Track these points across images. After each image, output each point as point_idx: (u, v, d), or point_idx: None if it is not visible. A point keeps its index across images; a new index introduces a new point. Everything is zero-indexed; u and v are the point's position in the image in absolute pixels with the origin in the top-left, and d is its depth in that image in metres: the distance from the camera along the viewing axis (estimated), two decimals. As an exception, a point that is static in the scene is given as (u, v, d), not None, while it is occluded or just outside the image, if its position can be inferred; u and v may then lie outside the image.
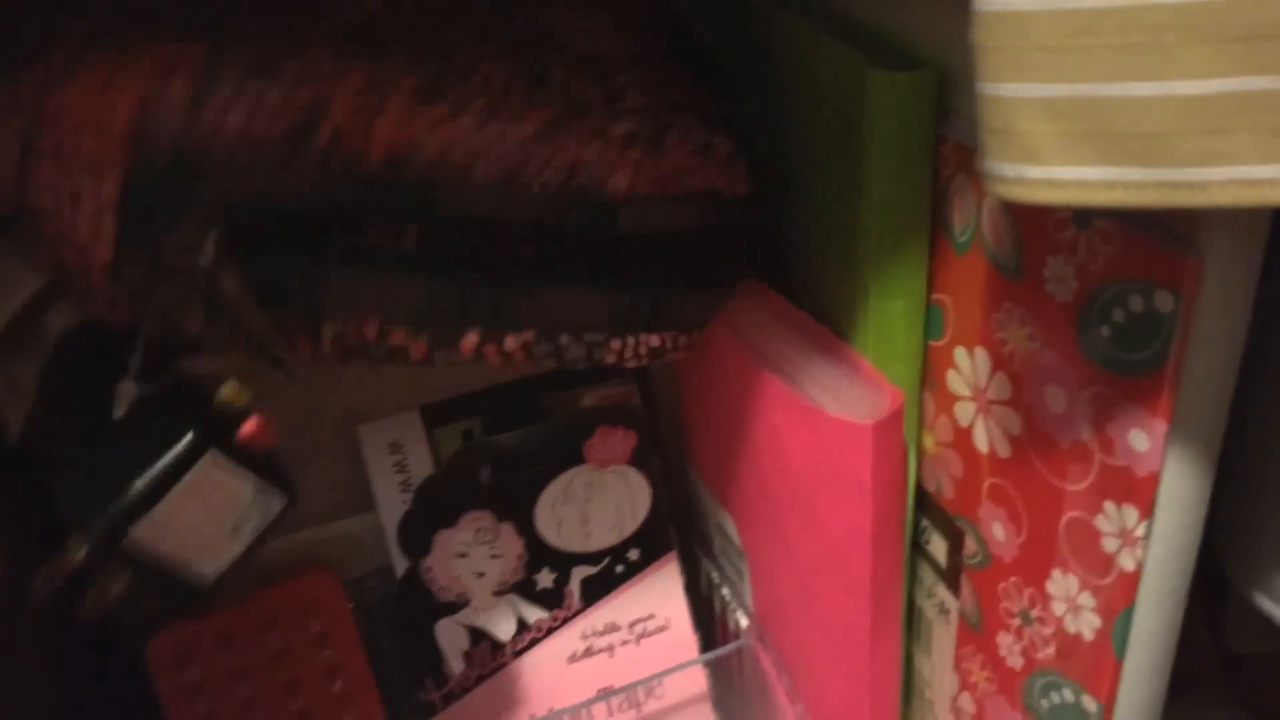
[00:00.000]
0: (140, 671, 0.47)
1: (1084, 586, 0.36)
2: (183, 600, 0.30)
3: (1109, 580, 0.34)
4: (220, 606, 0.48)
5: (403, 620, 0.50)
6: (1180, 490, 0.31)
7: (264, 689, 0.47)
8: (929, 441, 0.42)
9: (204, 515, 0.29)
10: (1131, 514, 0.32)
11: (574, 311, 0.36)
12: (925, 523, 0.45)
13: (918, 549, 0.46)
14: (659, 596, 0.53)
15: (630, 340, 0.39)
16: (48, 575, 0.29)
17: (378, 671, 0.49)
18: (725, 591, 0.53)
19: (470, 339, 0.36)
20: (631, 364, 0.40)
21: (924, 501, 0.44)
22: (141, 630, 0.46)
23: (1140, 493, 0.32)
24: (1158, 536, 0.32)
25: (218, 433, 0.29)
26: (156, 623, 0.46)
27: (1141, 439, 0.31)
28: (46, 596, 0.29)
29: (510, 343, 0.36)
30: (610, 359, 0.39)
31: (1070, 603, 0.37)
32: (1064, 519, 0.35)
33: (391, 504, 0.49)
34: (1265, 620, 0.53)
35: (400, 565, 0.50)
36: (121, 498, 0.28)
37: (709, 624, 0.55)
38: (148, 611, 0.47)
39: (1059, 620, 0.37)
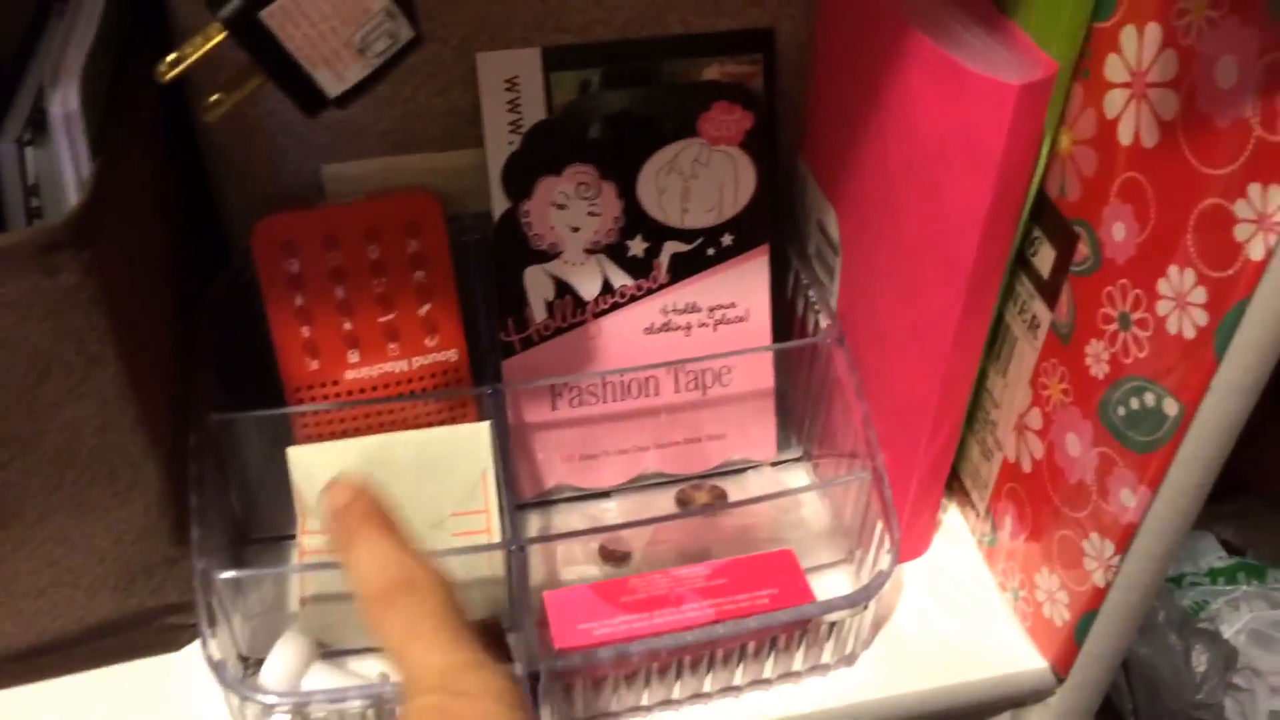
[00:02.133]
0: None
1: (1200, 281, 0.35)
2: (306, 107, 0.30)
3: (1230, 272, 0.34)
4: (326, 207, 0.49)
5: (495, 260, 0.51)
6: (1343, 164, 0.30)
7: (358, 295, 0.49)
8: (1065, 140, 0.41)
9: (335, 17, 0.29)
10: (1277, 195, 0.31)
11: None
12: (1036, 232, 0.44)
13: (1020, 263, 0.46)
14: (745, 286, 0.53)
15: None
16: (180, 56, 0.30)
17: (465, 306, 0.51)
18: (811, 292, 0.53)
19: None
20: None
21: (1040, 209, 0.44)
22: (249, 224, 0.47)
23: (1296, 169, 0.31)
24: (1301, 220, 0.31)
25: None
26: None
27: (1315, 106, 0.30)
28: (175, 78, 0.30)
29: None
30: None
31: (1180, 300, 0.36)
32: (1199, 207, 0.34)
33: (500, 141, 0.49)
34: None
35: (500, 205, 0.50)
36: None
37: (788, 326, 0.55)
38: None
39: (1161, 321, 0.37)
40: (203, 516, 0.43)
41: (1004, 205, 0.39)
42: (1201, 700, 0.56)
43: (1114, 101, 0.38)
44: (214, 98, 0.31)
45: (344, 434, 0.49)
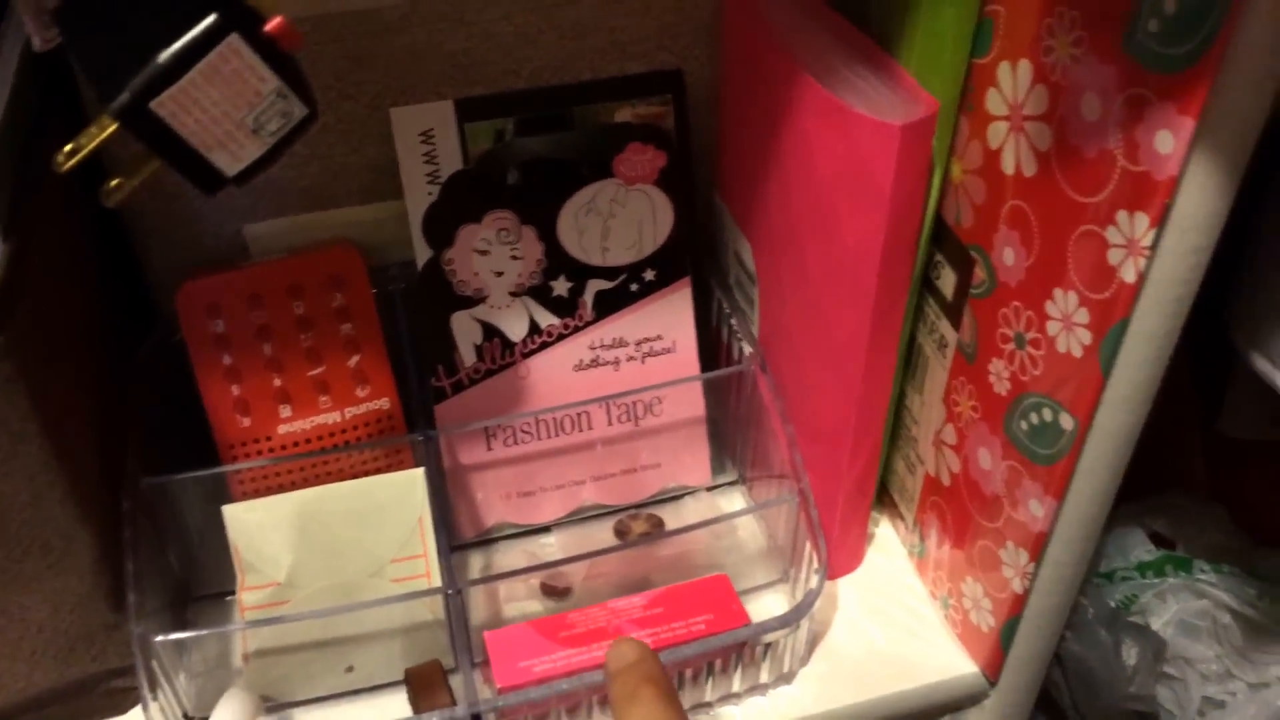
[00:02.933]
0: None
1: (1082, 303, 0.37)
2: (205, 187, 0.31)
3: (1107, 294, 0.36)
4: (250, 267, 0.50)
5: (421, 308, 0.52)
6: (1199, 193, 0.32)
7: (287, 351, 0.49)
8: (956, 170, 0.43)
9: (226, 102, 0.30)
10: (1142, 222, 0.33)
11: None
12: (938, 257, 0.46)
13: (926, 285, 0.47)
14: (669, 318, 0.54)
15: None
16: (75, 147, 0.30)
17: (394, 354, 0.51)
18: (734, 321, 0.54)
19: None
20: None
21: (940, 234, 0.45)
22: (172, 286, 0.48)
23: (1155, 199, 0.32)
24: (1166, 245, 0.33)
25: (243, 21, 0.30)
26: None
27: (1168, 140, 0.31)
28: (72, 168, 0.30)
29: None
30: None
31: (1066, 321, 0.38)
32: (1075, 234, 0.36)
33: (419, 192, 0.50)
34: (1259, 405, 0.55)
35: (422, 255, 0.51)
36: (145, 70, 0.29)
37: (714, 355, 0.57)
38: (175, 264, 0.49)
39: (1051, 341, 0.39)
40: (139, 581, 0.43)
41: (898, 236, 0.41)
42: (1134, 692, 0.58)
43: (996, 133, 0.40)
44: (114, 183, 0.32)
45: (280, 488, 0.50)
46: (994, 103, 0.40)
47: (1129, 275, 0.34)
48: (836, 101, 0.40)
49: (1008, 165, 0.39)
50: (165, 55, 0.28)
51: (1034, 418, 0.41)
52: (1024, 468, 0.42)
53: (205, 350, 0.48)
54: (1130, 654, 0.58)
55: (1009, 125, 0.39)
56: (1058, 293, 0.38)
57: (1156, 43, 0.31)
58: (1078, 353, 0.38)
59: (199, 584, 0.51)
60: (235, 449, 0.50)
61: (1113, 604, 0.61)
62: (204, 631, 0.47)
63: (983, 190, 0.41)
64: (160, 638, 0.42)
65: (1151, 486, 0.69)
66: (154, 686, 0.41)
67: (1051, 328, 0.39)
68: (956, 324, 0.45)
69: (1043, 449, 0.41)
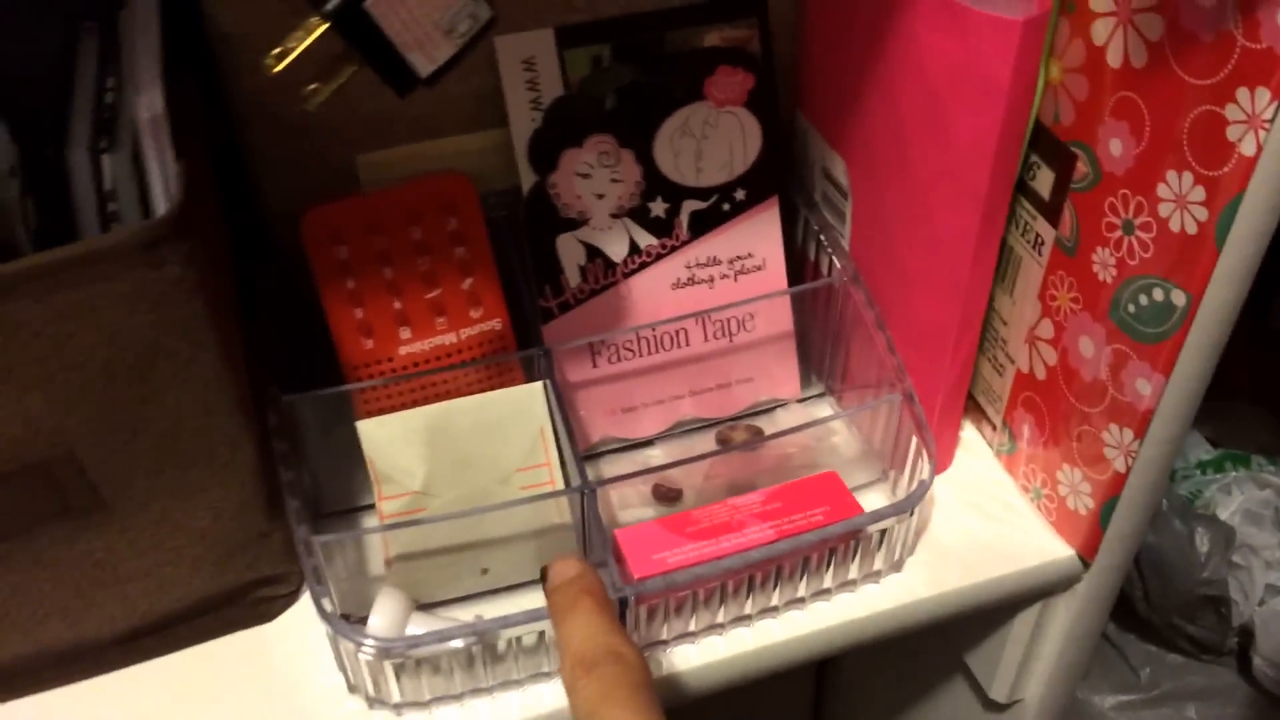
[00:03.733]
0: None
1: (1197, 181, 0.39)
2: (400, 87, 0.33)
3: (1226, 169, 0.38)
4: (369, 194, 0.51)
5: (528, 231, 0.54)
6: (1321, 61, 0.34)
7: (405, 275, 0.51)
8: (1055, 70, 0.45)
9: (426, 4, 0.32)
10: (1264, 96, 0.36)
11: None
12: (1034, 158, 0.48)
13: (1020, 189, 0.50)
14: (759, 237, 0.57)
15: None
16: (284, 50, 0.32)
17: (504, 277, 0.53)
18: (822, 237, 0.57)
19: None
20: None
21: (1037, 136, 0.47)
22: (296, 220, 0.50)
23: (1276, 73, 0.35)
24: (1286, 116, 0.36)
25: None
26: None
27: (1293, 13, 0.34)
28: (282, 68, 0.32)
29: None
30: None
31: (1180, 201, 0.40)
32: (1191, 115, 0.39)
33: (523, 118, 0.52)
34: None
35: (528, 180, 0.53)
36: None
37: (801, 272, 0.59)
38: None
39: (1164, 222, 0.41)
40: (293, 489, 0.45)
41: (1011, 132, 0.43)
42: (1207, 578, 0.61)
43: (1101, 29, 0.42)
44: (311, 87, 0.34)
45: (401, 407, 0.52)
46: (1099, 1, 0.42)
47: (1249, 149, 0.37)
48: (951, 1, 0.42)
49: (1114, 59, 0.42)
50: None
51: (1143, 299, 0.43)
52: (1131, 349, 0.45)
53: (330, 274, 0.50)
54: (1203, 542, 0.61)
55: (1116, 20, 0.41)
56: (1171, 175, 0.40)
57: (1283, -79, 0.33)
58: (1192, 230, 0.40)
59: (326, 501, 0.54)
60: (359, 370, 0.52)
61: (1183, 497, 0.64)
62: (362, 531, 0.49)
63: (1085, 87, 0.44)
64: (323, 538, 0.44)
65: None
66: (321, 582, 0.44)
67: (1164, 209, 0.41)
68: (1055, 221, 0.48)
69: (1152, 328, 0.43)
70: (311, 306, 0.51)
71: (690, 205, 0.55)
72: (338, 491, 0.54)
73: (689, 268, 0.56)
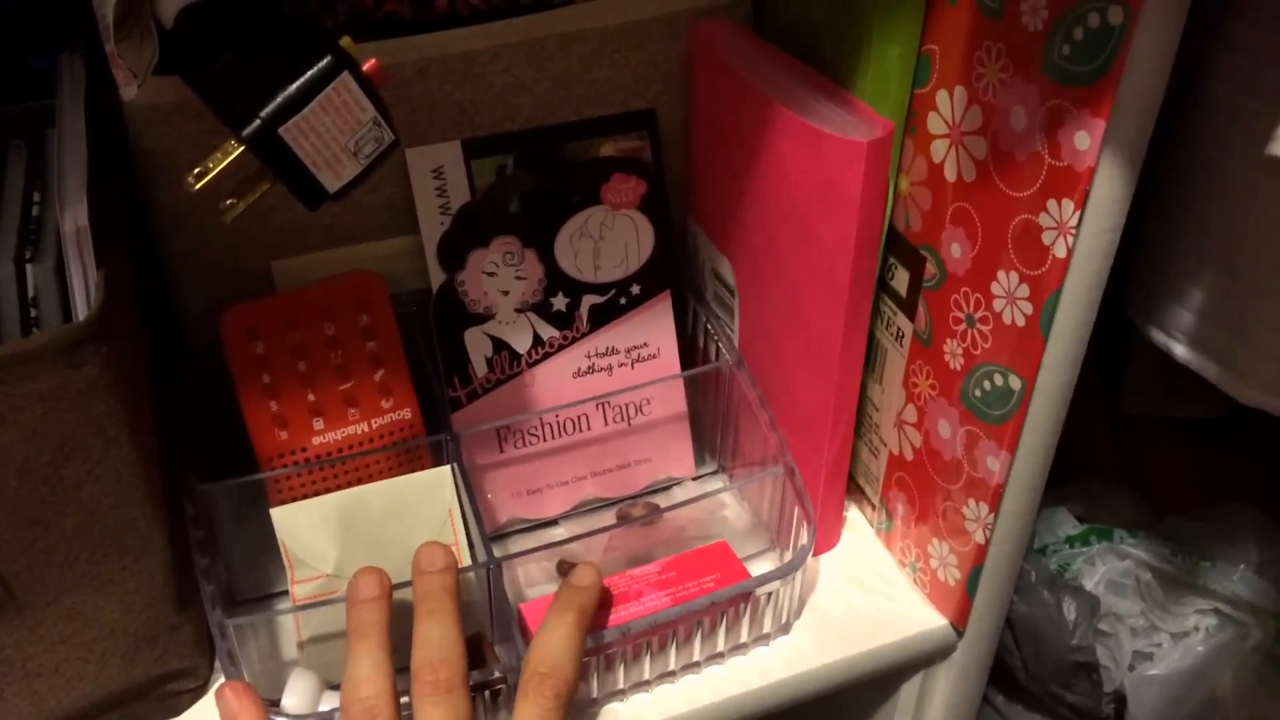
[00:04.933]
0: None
1: (1022, 280, 0.45)
2: (310, 201, 0.37)
3: (1044, 269, 0.44)
4: (285, 293, 0.55)
5: (437, 326, 0.58)
6: (1111, 180, 0.40)
7: (318, 368, 0.54)
8: (904, 184, 0.51)
9: (335, 128, 0.36)
10: (1069, 206, 0.41)
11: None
12: (891, 260, 0.54)
13: (882, 286, 0.55)
14: (654, 328, 0.61)
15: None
16: (203, 170, 0.36)
17: (415, 369, 0.57)
18: (710, 327, 0.62)
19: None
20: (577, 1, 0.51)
21: (893, 240, 0.53)
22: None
23: (1077, 187, 0.41)
24: (1088, 225, 0.41)
25: (349, 62, 0.36)
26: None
27: (1084, 139, 0.40)
28: (202, 186, 0.36)
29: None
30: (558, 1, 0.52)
31: (1009, 297, 0.46)
32: (1014, 222, 0.44)
33: (432, 222, 0.57)
34: (1155, 380, 0.64)
35: (437, 279, 0.57)
36: (275, 101, 0.35)
37: (693, 361, 0.64)
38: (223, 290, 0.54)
39: (998, 316, 0.47)
40: (207, 575, 0.47)
41: (866, 237, 0.49)
42: (1076, 644, 0.66)
43: (938, 149, 0.48)
44: (229, 202, 0.37)
45: (316, 494, 0.55)
46: (935, 124, 0.48)
47: (1060, 251, 0.42)
48: (808, 126, 0.48)
49: (950, 174, 0.48)
50: (292, 89, 0.34)
51: (986, 384, 0.49)
52: (981, 429, 0.50)
53: (246, 369, 0.53)
54: (1070, 610, 0.66)
55: (949, 141, 0.47)
56: (1001, 274, 0.46)
57: (1069, 62, 0.39)
58: (1021, 323, 0.45)
59: (240, 589, 0.56)
60: (273, 460, 0.55)
61: (1051, 570, 0.69)
62: (274, 613, 0.51)
63: (929, 198, 0.49)
64: (235, 620, 0.46)
65: (1068, 473, 0.78)
66: (235, 664, 0.46)
67: (998, 304, 0.47)
68: (912, 315, 0.53)
69: (996, 410, 0.48)
70: (229, 401, 0.54)
71: (589, 300, 0.60)
72: (252, 579, 0.56)
73: (589, 357, 0.61)
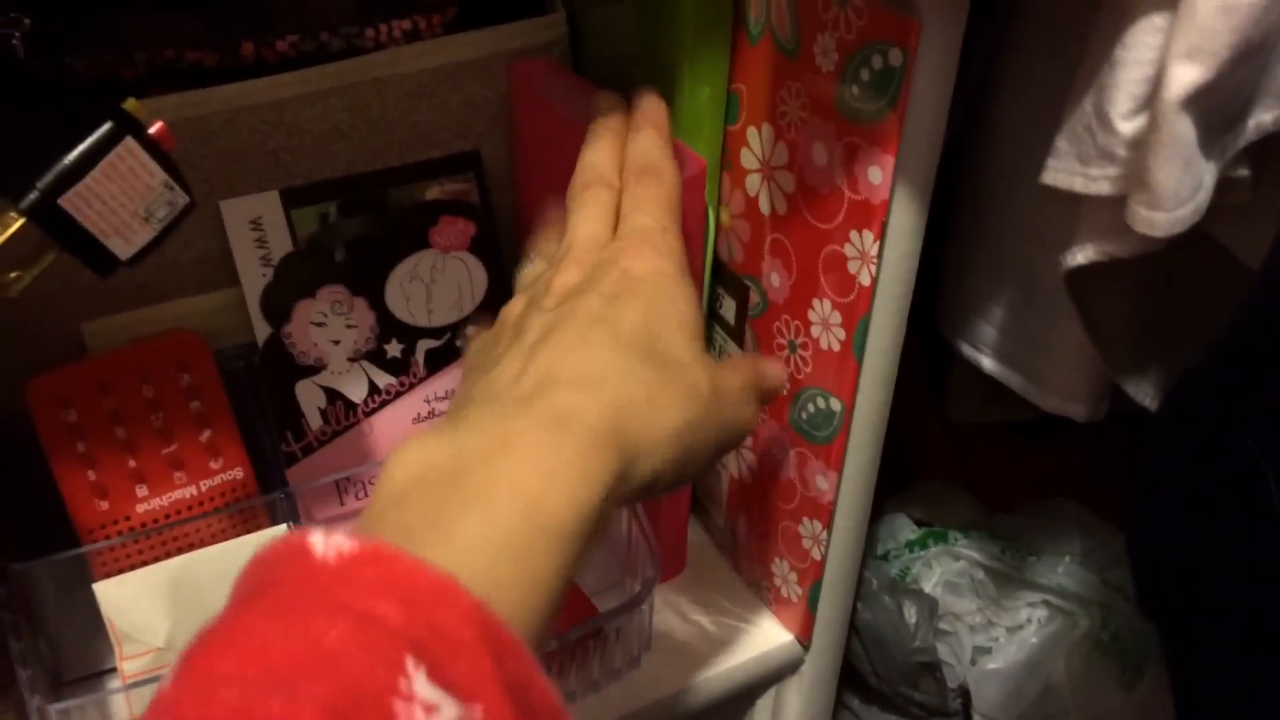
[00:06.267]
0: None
1: (835, 307, 0.47)
2: (101, 270, 0.36)
3: (852, 297, 0.45)
4: (95, 357, 0.52)
5: (266, 381, 0.56)
6: (904, 210, 0.42)
7: (138, 433, 0.52)
8: (725, 216, 0.52)
9: (122, 195, 0.34)
10: (869, 237, 0.43)
11: (325, 9, 0.48)
12: (719, 290, 0.55)
13: (712, 315, 0.56)
14: (492, 369, 0.61)
15: (383, 28, 0.52)
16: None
17: (245, 426, 0.55)
18: (549, 366, 0.62)
19: (247, 47, 0.49)
20: (389, 46, 0.52)
21: (719, 271, 0.55)
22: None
23: (875, 218, 0.43)
24: (888, 253, 0.43)
25: (132, 126, 0.35)
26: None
27: (877, 173, 0.42)
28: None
29: (281, 45, 0.47)
30: (370, 46, 0.53)
31: (825, 324, 0.48)
32: (823, 253, 0.46)
33: (253, 274, 0.55)
34: (975, 389, 0.67)
35: (262, 333, 0.56)
36: (53, 171, 0.33)
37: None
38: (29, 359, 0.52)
39: (816, 342, 0.49)
40: (24, 660, 0.45)
41: (694, 265, 0.50)
42: (918, 646, 0.69)
43: (752, 183, 0.50)
44: (13, 275, 0.36)
45: (144, 563, 0.52)
46: (748, 159, 0.49)
47: (865, 279, 0.44)
48: (625, 165, 0.48)
49: (764, 207, 0.49)
50: (71, 158, 0.33)
51: (811, 407, 0.50)
52: (809, 450, 0.51)
53: (58, 439, 0.51)
54: (910, 613, 0.68)
55: (761, 176, 0.49)
56: (816, 302, 0.48)
57: (859, 101, 0.41)
58: (836, 347, 0.47)
59: (66, 669, 0.53)
60: (95, 532, 0.52)
61: (891, 575, 0.71)
62: (99, 694, 0.49)
63: (748, 230, 0.51)
64: (57, 706, 0.44)
65: (907, 478, 0.81)
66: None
67: (815, 331, 0.48)
68: (740, 342, 0.55)
69: (821, 431, 0.50)
70: (42, 472, 0.51)
71: (425, 344, 0.59)
72: (78, 657, 0.53)
73: (428, 402, 0.60)
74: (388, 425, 0.59)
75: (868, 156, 0.42)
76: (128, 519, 0.53)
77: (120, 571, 0.51)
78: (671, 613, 0.59)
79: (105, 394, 0.51)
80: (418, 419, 0.60)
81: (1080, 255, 0.43)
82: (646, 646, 0.56)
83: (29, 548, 0.50)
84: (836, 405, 0.49)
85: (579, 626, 0.51)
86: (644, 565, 0.55)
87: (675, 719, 0.56)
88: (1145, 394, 0.52)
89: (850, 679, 0.72)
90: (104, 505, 0.52)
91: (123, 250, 0.36)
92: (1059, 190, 0.41)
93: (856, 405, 0.48)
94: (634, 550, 0.57)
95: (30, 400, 0.50)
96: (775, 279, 0.50)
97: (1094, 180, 0.39)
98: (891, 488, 0.79)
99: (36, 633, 0.49)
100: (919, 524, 0.77)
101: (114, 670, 0.52)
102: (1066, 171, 0.40)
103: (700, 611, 0.60)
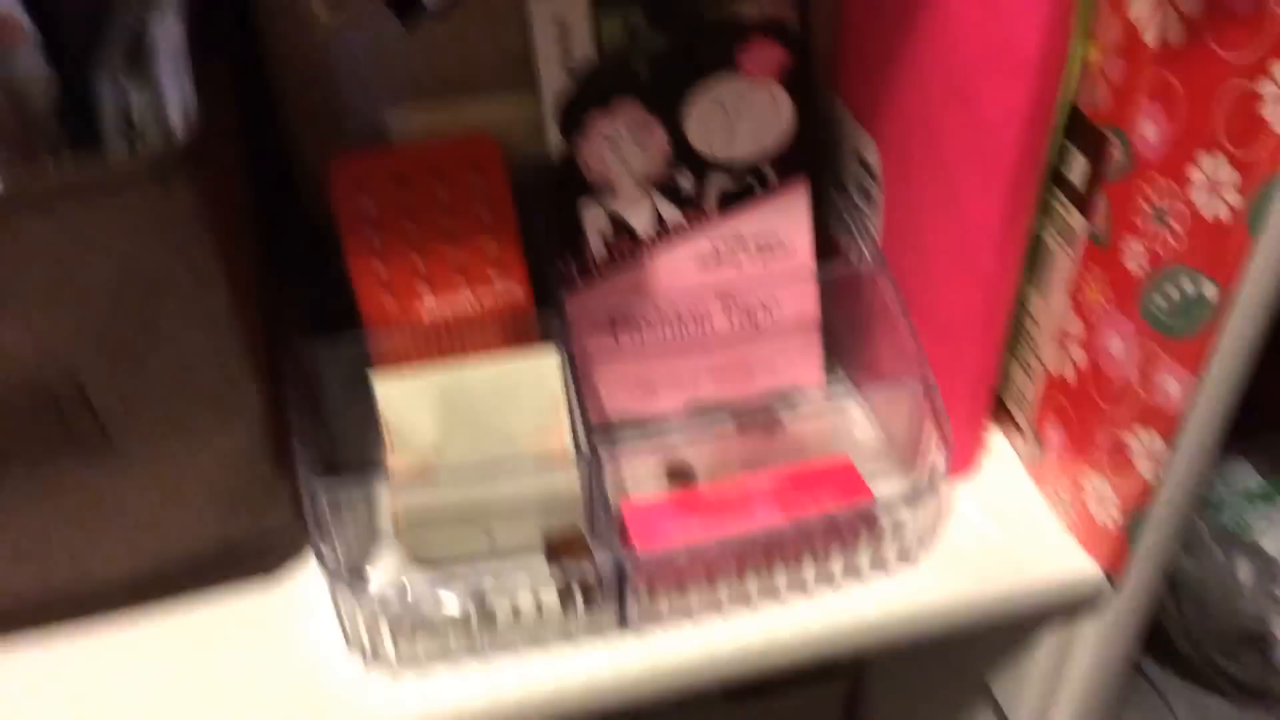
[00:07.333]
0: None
1: (1232, 164, 0.37)
2: (407, 18, 0.33)
3: (1259, 151, 0.36)
4: (396, 148, 0.52)
5: (553, 196, 0.54)
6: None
7: (429, 232, 0.51)
8: (1093, 52, 0.43)
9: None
10: (1302, 69, 0.33)
11: None
12: (1068, 146, 0.46)
13: (1054, 178, 0.48)
14: (787, 219, 0.55)
15: None
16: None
17: (526, 242, 0.53)
18: (852, 224, 0.55)
19: None
20: None
21: (1073, 123, 0.46)
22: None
23: (1318, 42, 0.33)
24: (1325, 91, 0.33)
25: None
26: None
27: (1333, -22, 0.32)
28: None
29: None
30: None
31: (1212, 185, 0.38)
32: (1225, 92, 0.36)
33: (553, 80, 0.52)
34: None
35: (555, 143, 0.53)
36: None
37: (830, 257, 0.58)
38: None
39: (1195, 208, 0.39)
40: (302, 437, 0.45)
41: (1040, 107, 0.41)
42: (1249, 613, 0.58)
43: (1139, 8, 0.40)
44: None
45: (419, 363, 0.52)
46: (1141, -25, 0.40)
47: (1282, 127, 0.35)
48: (983, -28, 0.41)
49: (1150, 37, 0.40)
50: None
51: (1173, 292, 0.41)
52: (1161, 346, 0.42)
53: (355, 226, 0.51)
54: (1245, 572, 0.58)
55: (1156, -5, 0.39)
56: (1204, 157, 0.38)
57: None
58: (1224, 216, 0.38)
59: (338, 454, 0.54)
60: (379, 325, 0.52)
61: (1225, 526, 0.60)
62: (367, 485, 0.49)
63: (1122, 68, 0.42)
64: (328, 487, 0.44)
65: (1252, 421, 0.69)
66: (324, 534, 0.44)
67: (1196, 195, 0.39)
68: (1087, 212, 0.46)
69: (1181, 322, 0.41)
70: (335, 259, 0.51)
71: (718, 181, 0.54)
72: (350, 446, 0.54)
73: (715, 246, 0.56)
74: (670, 263, 0.55)
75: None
76: (409, 316, 0.52)
77: (396, 369, 0.51)
78: (956, 517, 0.53)
79: (401, 187, 0.51)
80: (702, 262, 0.55)
81: None
82: (924, 545, 0.50)
83: (319, 331, 0.51)
84: (1210, 291, 0.39)
85: (853, 508, 0.45)
86: (935, 457, 0.49)
87: (946, 634, 0.50)
88: None
89: (1151, 636, 0.62)
90: (389, 299, 0.52)
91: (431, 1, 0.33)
92: None
93: (1240, 293, 0.39)
94: (920, 436, 0.50)
95: (332, 183, 0.50)
96: (1150, 129, 0.41)
97: None
98: (1232, 426, 0.67)
99: (313, 414, 0.50)
100: (1263, 476, 0.65)
101: (381, 464, 0.53)
102: None
103: (990, 521, 0.52)
